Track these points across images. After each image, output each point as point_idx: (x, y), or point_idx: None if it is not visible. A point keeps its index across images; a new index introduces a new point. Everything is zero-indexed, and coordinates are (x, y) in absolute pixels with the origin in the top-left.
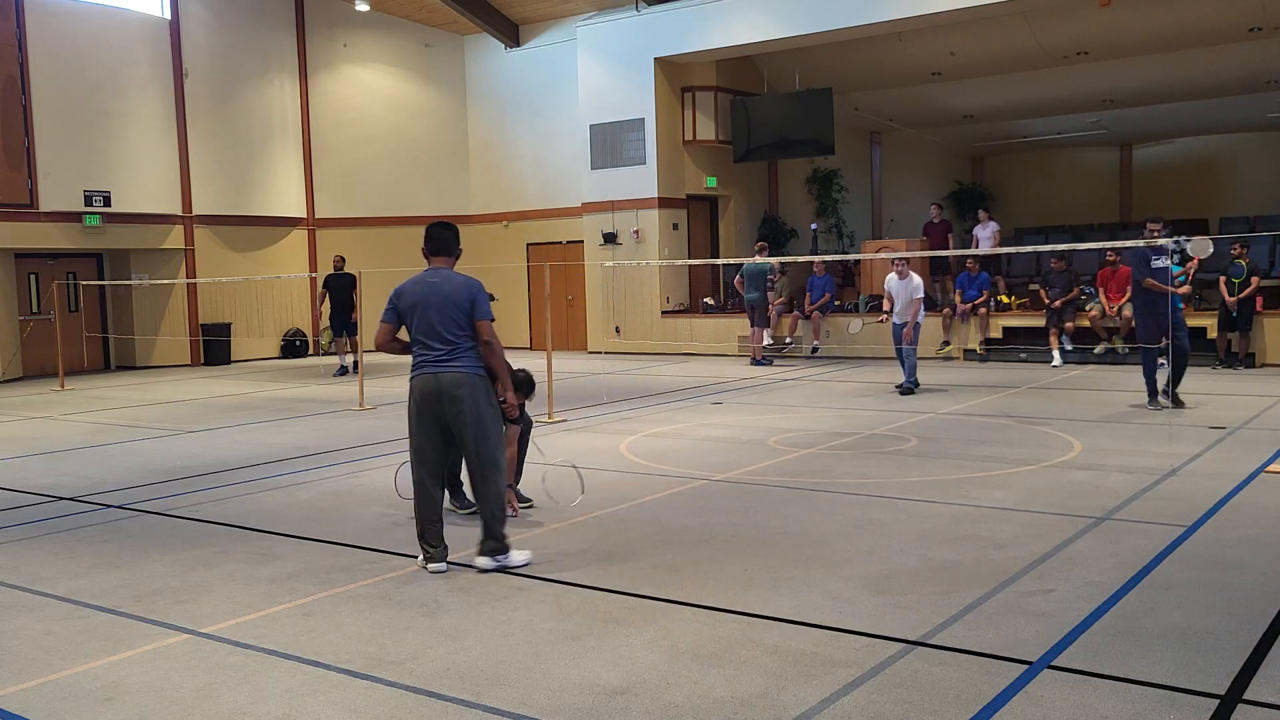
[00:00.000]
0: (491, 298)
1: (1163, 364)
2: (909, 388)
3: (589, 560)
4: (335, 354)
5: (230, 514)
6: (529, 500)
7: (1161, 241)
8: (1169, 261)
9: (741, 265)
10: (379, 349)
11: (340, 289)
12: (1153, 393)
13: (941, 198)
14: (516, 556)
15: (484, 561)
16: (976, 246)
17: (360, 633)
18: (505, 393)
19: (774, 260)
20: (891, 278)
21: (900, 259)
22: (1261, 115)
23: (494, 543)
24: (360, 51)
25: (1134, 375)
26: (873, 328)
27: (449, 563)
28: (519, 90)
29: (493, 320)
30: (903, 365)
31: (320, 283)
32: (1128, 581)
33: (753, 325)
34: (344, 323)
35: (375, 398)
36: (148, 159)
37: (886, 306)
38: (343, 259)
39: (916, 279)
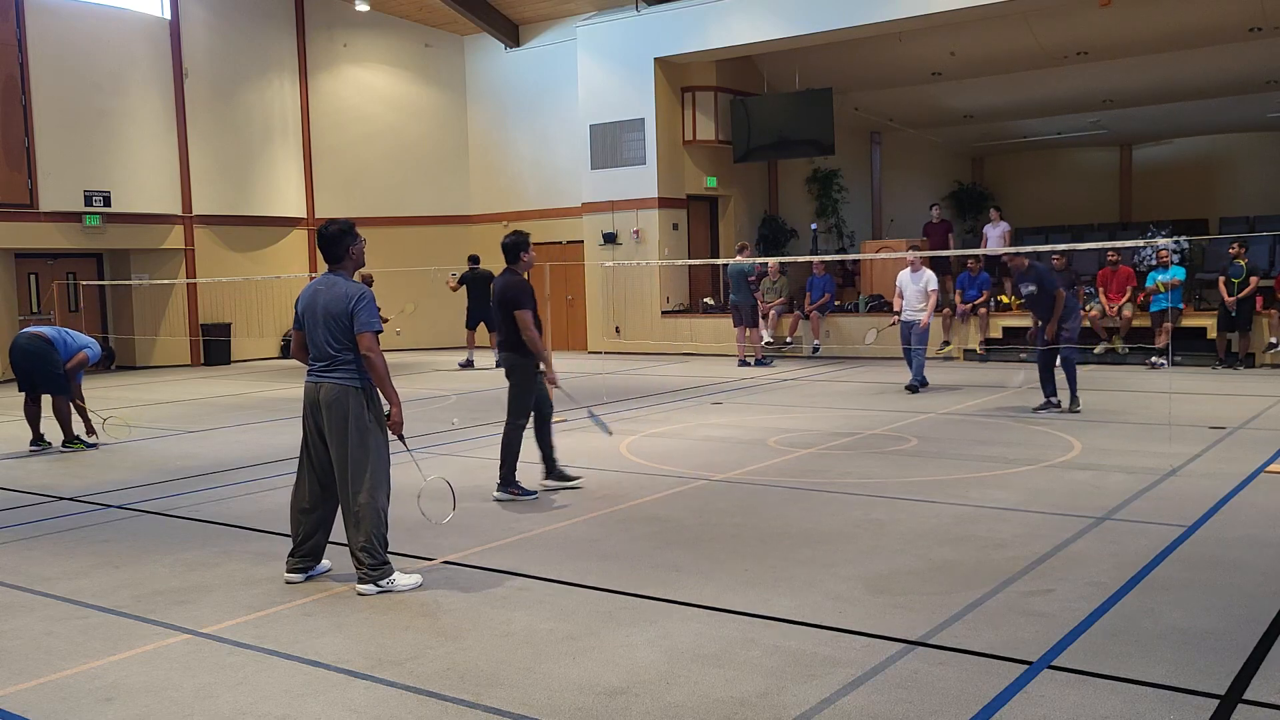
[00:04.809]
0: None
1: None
2: (916, 386)
3: (589, 560)
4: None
5: (230, 514)
6: (576, 479)
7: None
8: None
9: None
10: (294, 357)
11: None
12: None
13: (941, 198)
14: (402, 580)
15: (366, 588)
16: (985, 244)
17: (360, 633)
18: (392, 409)
19: (759, 261)
20: (904, 273)
21: (915, 255)
22: (1261, 115)
23: (370, 570)
24: (360, 51)
25: (1136, 375)
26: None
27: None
28: (519, 90)
29: (378, 331)
30: (910, 364)
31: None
32: (1128, 581)
33: (736, 325)
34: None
35: None
36: (148, 159)
37: (898, 306)
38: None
39: (928, 273)
